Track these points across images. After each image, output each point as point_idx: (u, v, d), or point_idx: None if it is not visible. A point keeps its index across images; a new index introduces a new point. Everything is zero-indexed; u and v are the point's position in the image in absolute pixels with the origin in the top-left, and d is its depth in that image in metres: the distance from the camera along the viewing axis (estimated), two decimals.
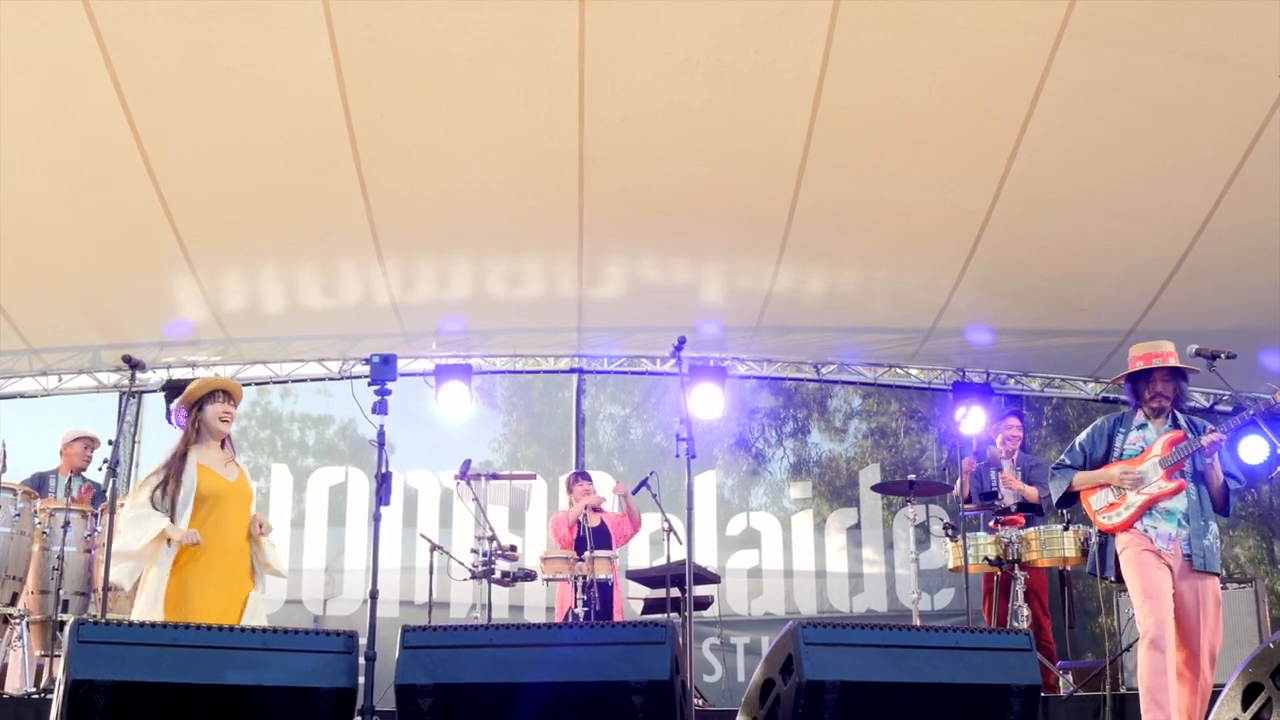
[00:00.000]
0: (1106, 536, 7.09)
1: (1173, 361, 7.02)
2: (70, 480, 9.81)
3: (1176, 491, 6.85)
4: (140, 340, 11.29)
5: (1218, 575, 6.90)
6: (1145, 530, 6.87)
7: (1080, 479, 7.16)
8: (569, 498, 10.79)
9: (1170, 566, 6.80)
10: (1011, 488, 9.76)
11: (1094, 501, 7.11)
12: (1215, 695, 6.36)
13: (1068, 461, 7.27)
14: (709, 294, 11.32)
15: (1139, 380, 7.10)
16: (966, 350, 12.23)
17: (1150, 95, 8.25)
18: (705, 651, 12.24)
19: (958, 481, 10.06)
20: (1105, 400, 12.76)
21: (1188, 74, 8.05)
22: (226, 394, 7.36)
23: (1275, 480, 11.06)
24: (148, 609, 6.75)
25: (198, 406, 7.30)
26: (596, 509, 10.39)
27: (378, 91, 8.34)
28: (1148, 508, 6.88)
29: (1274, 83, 7.98)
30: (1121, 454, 7.09)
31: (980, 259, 10.10)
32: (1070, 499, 7.27)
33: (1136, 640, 6.85)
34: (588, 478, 10.90)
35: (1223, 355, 6.99)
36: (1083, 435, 7.31)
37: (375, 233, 9.83)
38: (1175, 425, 7.03)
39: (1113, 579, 7.09)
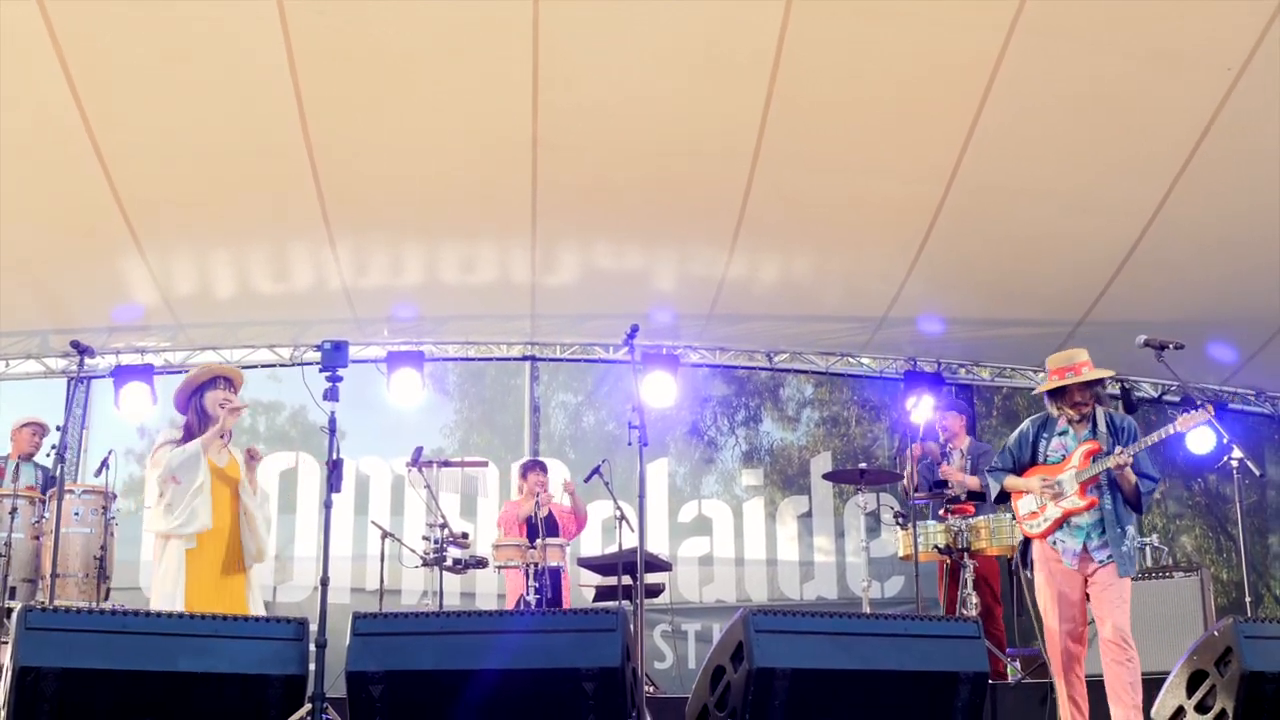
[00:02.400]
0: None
1: (1086, 373, 7.08)
2: (19, 466, 9.74)
3: (1089, 507, 6.97)
4: (89, 325, 11.19)
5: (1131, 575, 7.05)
6: (1054, 544, 7.04)
7: (1009, 483, 7.31)
8: (521, 485, 10.76)
9: (1078, 579, 6.97)
10: (951, 479, 9.79)
11: (1020, 507, 7.27)
12: (1151, 681, 6.48)
13: (998, 464, 7.42)
14: (662, 282, 11.34)
15: (1055, 393, 7.19)
16: (918, 339, 12.30)
17: (1100, 90, 8.32)
18: (656, 638, 12.25)
19: (906, 470, 10.08)
20: None
21: (1137, 69, 8.12)
22: (227, 380, 7.31)
23: (1221, 470, 11.16)
24: (168, 593, 6.76)
25: (198, 393, 7.23)
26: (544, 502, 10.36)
27: (330, 76, 8.29)
28: (1061, 522, 7.02)
29: (1223, 78, 8.06)
30: (1045, 459, 7.21)
31: (932, 249, 10.16)
32: (1005, 498, 7.41)
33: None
34: (543, 468, 10.87)
35: (1171, 345, 7.09)
36: (1010, 439, 7.45)
37: (327, 218, 9.77)
38: (1094, 432, 7.12)
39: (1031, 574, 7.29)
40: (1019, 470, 7.29)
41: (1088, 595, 6.97)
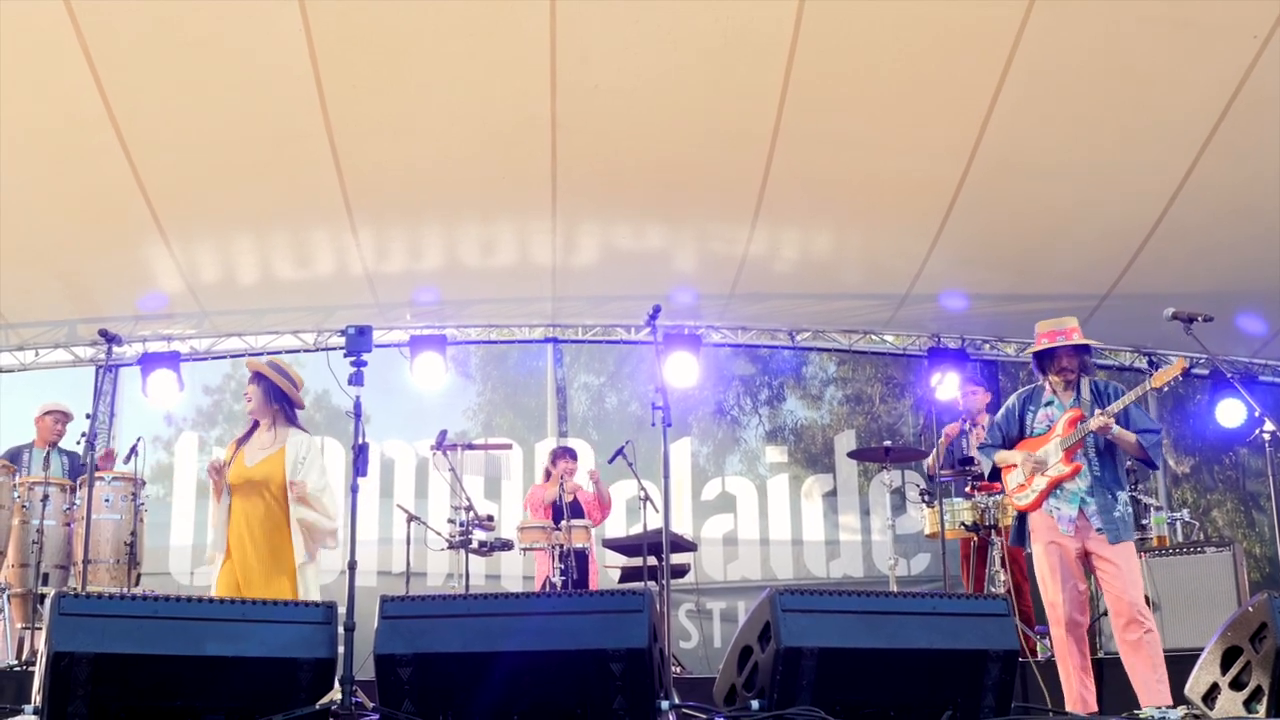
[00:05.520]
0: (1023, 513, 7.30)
1: (1075, 338, 7.17)
2: (48, 454, 9.79)
3: (1075, 473, 7.00)
4: (115, 314, 11.27)
5: (1132, 541, 7.07)
6: (1050, 511, 7.07)
7: (999, 458, 7.37)
8: (549, 470, 10.78)
9: (1076, 545, 6.97)
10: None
11: (1009, 481, 7.33)
12: (1184, 657, 6.44)
13: (989, 441, 7.50)
14: (683, 262, 11.33)
15: (1044, 356, 7.25)
16: (941, 316, 12.26)
17: (1122, 61, 8.26)
18: (681, 618, 12.26)
19: (933, 451, 10.01)
20: None
21: (1161, 38, 8.06)
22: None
23: (1253, 443, 11.09)
24: None
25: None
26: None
27: (349, 62, 8.29)
28: (1051, 490, 7.07)
29: (1249, 44, 7.99)
30: (1032, 431, 7.27)
31: (954, 225, 10.12)
32: (998, 473, 7.48)
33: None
34: (573, 455, 10.87)
35: (1200, 318, 7.07)
36: (999, 414, 7.53)
37: (349, 204, 9.79)
38: (1078, 399, 7.15)
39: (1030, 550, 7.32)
40: (1009, 445, 7.35)
41: (1088, 564, 7.01)
